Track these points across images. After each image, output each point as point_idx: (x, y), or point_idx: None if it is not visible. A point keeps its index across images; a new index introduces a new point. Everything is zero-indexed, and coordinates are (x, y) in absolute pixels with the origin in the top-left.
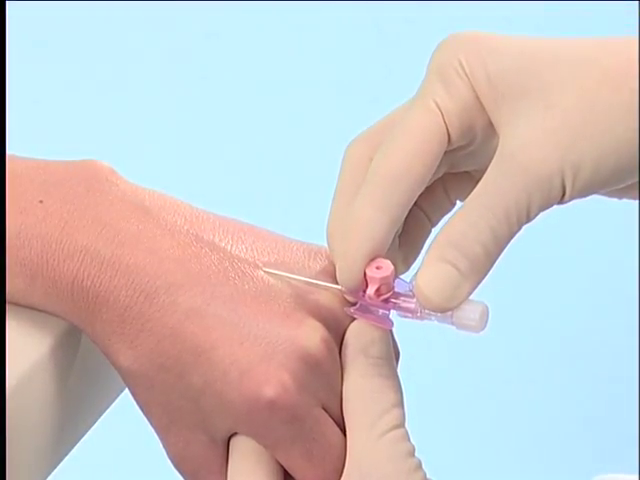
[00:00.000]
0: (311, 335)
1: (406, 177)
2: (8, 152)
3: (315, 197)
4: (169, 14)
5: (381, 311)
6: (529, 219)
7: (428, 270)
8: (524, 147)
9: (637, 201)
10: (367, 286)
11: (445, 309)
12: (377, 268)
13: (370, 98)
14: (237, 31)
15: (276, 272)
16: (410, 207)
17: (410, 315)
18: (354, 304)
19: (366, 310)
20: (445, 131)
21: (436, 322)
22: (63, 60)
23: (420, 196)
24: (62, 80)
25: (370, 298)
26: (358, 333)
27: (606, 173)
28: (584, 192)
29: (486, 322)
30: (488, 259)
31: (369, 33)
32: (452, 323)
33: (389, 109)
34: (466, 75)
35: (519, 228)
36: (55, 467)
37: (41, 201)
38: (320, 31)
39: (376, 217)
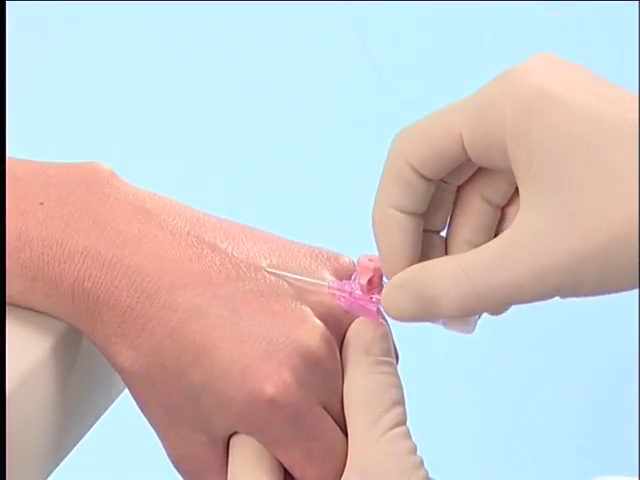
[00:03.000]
0: (312, 334)
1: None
2: (8, 155)
3: (315, 199)
4: (170, 15)
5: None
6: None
7: (397, 295)
8: (536, 245)
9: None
10: (360, 276)
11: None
12: (370, 260)
13: (370, 99)
14: (238, 32)
15: (277, 271)
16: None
17: None
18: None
19: (355, 304)
20: (463, 153)
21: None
22: (63, 62)
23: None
24: (62, 82)
25: (362, 288)
26: (360, 332)
27: (610, 287)
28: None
29: (475, 323)
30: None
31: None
32: (442, 324)
33: (389, 109)
34: (502, 130)
35: (506, 309)
36: (55, 467)
37: (42, 203)
38: (320, 32)
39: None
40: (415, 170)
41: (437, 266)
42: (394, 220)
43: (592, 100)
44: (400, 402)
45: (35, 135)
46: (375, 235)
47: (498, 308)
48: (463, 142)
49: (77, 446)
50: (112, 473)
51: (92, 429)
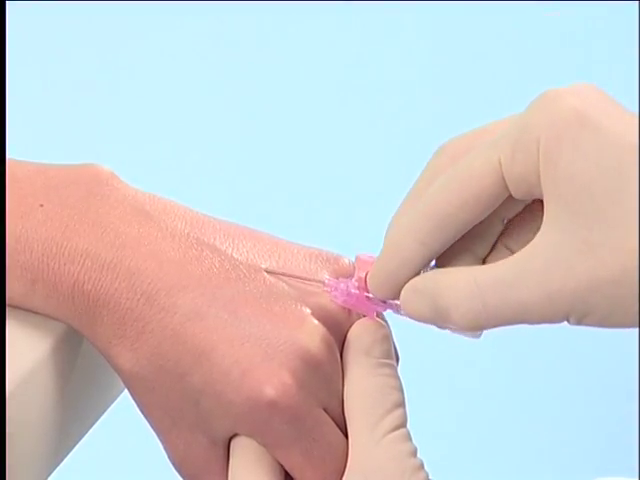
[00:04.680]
0: (312, 335)
1: (453, 221)
2: (8, 156)
3: (316, 200)
4: (170, 16)
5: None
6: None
7: (413, 298)
8: (550, 268)
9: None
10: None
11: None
12: (369, 257)
13: (371, 100)
14: (238, 31)
15: (275, 270)
16: (452, 243)
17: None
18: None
19: (350, 300)
20: (504, 187)
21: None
22: (63, 64)
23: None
24: (62, 84)
25: (360, 282)
26: (360, 334)
27: (617, 321)
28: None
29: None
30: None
31: (370, 33)
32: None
33: (388, 109)
34: (537, 152)
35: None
36: (55, 468)
37: (42, 205)
38: (320, 32)
39: (415, 249)
40: (453, 214)
41: (451, 276)
42: (410, 250)
43: (628, 130)
44: (401, 404)
45: (35, 136)
46: (385, 249)
47: (508, 326)
48: (502, 174)
49: (77, 446)
50: (112, 473)
51: (92, 430)
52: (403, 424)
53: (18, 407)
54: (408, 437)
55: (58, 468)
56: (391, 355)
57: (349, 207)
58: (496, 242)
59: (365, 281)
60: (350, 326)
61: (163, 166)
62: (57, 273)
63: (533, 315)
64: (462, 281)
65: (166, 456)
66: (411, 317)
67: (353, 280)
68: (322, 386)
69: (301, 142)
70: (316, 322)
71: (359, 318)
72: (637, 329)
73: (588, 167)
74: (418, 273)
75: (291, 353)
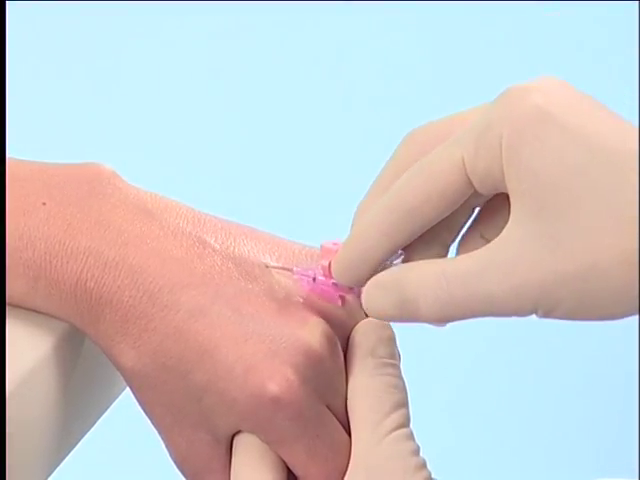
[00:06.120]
0: (315, 332)
1: (417, 215)
2: (10, 156)
3: (316, 199)
4: (170, 15)
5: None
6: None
7: (376, 292)
8: (517, 262)
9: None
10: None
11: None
12: (334, 244)
13: (370, 101)
14: (238, 31)
15: (273, 264)
16: (417, 236)
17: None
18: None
19: (316, 288)
20: (468, 183)
21: None
22: (63, 64)
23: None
24: (64, 83)
25: (323, 270)
26: (365, 334)
27: (584, 314)
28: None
29: None
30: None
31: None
32: None
33: (390, 108)
34: (500, 149)
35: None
36: (56, 467)
37: (44, 203)
38: (320, 33)
39: (379, 239)
40: (417, 209)
41: (418, 269)
42: (374, 240)
43: (591, 126)
44: (404, 404)
45: (36, 136)
46: (353, 235)
47: (476, 318)
48: (466, 170)
49: (78, 446)
50: (113, 473)
51: (93, 429)
52: (406, 423)
53: (19, 406)
54: (411, 436)
55: (59, 468)
56: (395, 355)
57: (350, 207)
58: (470, 229)
59: (328, 269)
60: (353, 326)
61: (163, 166)
62: (60, 271)
63: (500, 308)
64: (430, 273)
65: (168, 454)
66: (372, 312)
67: (323, 263)
68: (325, 383)
69: (302, 142)
70: (319, 319)
71: (362, 319)
72: (637, 330)
73: (551, 165)
74: (383, 262)
75: (294, 350)
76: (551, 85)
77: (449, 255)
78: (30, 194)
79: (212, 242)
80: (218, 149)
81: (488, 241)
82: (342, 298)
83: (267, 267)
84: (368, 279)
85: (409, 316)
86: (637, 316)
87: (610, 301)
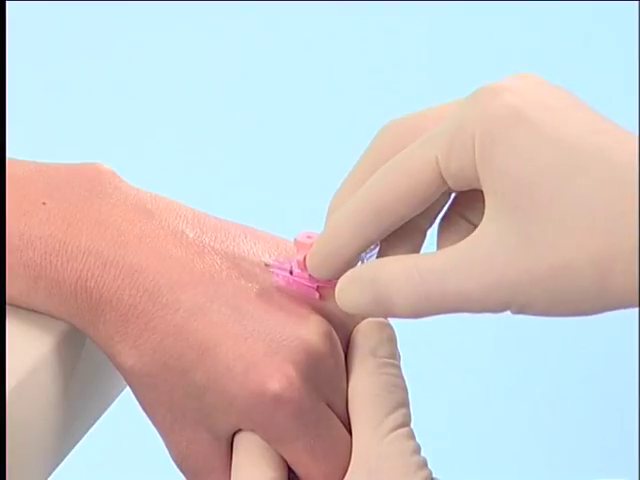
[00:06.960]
0: (315, 330)
1: (391, 212)
2: (10, 156)
3: (316, 199)
4: (170, 14)
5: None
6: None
7: (350, 286)
8: (490, 260)
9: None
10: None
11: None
12: (308, 237)
13: (370, 101)
14: (237, 31)
15: (269, 261)
16: (390, 232)
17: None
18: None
19: (293, 282)
20: (442, 182)
21: None
22: (64, 64)
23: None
24: (63, 83)
25: (298, 264)
26: (366, 333)
27: (557, 312)
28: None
29: None
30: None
31: (370, 34)
32: None
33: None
34: (473, 149)
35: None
36: (56, 467)
37: (44, 203)
38: (320, 32)
39: (352, 233)
40: (390, 207)
41: (393, 265)
42: (348, 235)
43: (565, 127)
44: (405, 404)
45: (36, 137)
46: (327, 229)
47: (449, 314)
48: (440, 170)
49: (78, 445)
50: (113, 473)
51: (93, 429)
52: (407, 423)
53: (19, 406)
54: (411, 435)
55: (59, 468)
56: (395, 355)
57: None
58: (449, 211)
59: (303, 263)
60: (353, 325)
61: (164, 166)
62: (60, 270)
63: (474, 304)
64: (404, 269)
65: (168, 454)
66: (345, 307)
67: (297, 258)
68: (326, 381)
69: (302, 141)
70: (319, 317)
71: (362, 318)
72: (637, 330)
73: (524, 165)
74: (358, 256)
75: (295, 347)
76: (525, 84)
77: (426, 239)
78: (30, 194)
79: (212, 242)
80: (218, 149)
81: (468, 221)
82: (319, 291)
83: (267, 266)
84: (344, 272)
85: (383, 311)
86: (637, 316)
87: (581, 299)
